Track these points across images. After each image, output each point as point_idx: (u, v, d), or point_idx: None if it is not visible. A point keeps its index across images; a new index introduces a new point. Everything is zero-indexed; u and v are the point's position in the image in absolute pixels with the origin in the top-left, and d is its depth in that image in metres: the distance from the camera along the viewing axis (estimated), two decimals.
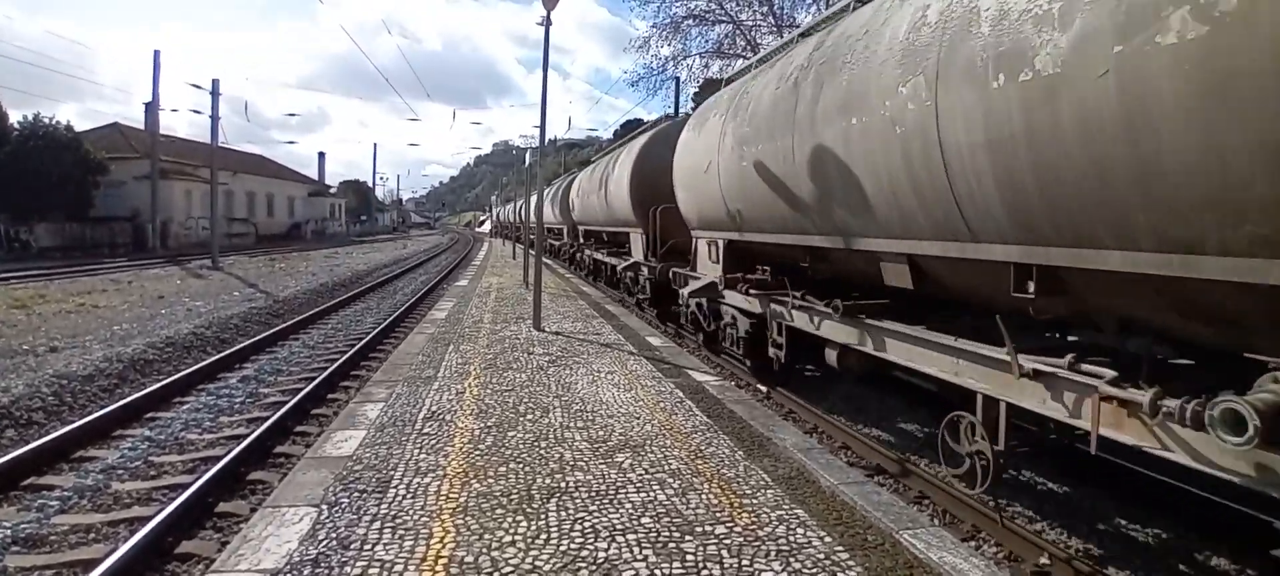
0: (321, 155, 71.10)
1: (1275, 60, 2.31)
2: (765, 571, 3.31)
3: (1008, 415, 4.04)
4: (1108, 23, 2.87)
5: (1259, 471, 2.68)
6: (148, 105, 33.61)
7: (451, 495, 4.11)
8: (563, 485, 4.32)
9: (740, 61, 25.66)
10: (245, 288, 18.10)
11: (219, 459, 5.52)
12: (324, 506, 3.92)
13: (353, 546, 3.45)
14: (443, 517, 3.80)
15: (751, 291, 7.42)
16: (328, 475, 4.38)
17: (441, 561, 3.32)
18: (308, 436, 6.47)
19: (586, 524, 3.76)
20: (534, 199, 14.64)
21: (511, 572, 3.24)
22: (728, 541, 3.59)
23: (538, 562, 3.33)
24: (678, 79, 26.58)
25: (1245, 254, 2.59)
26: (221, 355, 9.58)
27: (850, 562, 3.42)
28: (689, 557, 3.41)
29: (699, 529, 3.73)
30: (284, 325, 12.40)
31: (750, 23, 25.71)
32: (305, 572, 3.22)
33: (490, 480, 4.37)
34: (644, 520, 3.83)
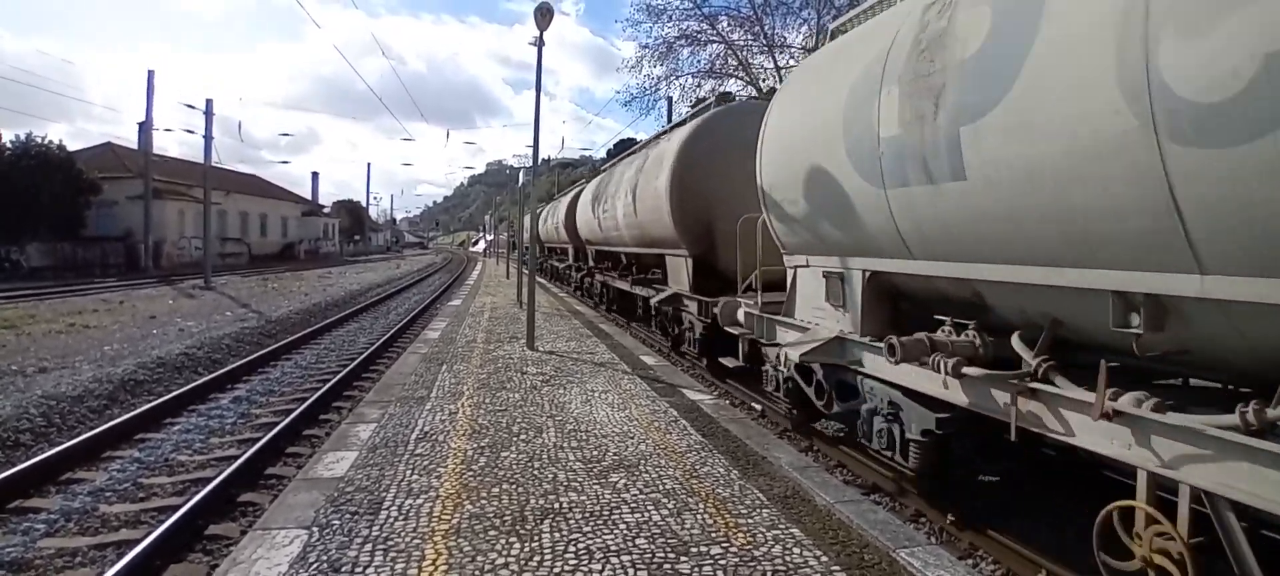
0: (315, 175, 71.17)
1: None
2: None
3: None
4: None
5: None
6: (141, 125, 33.54)
7: (444, 516, 4.07)
8: (556, 506, 4.28)
9: (733, 81, 25.94)
10: (238, 307, 18.01)
11: (209, 480, 5.46)
12: (315, 528, 3.87)
13: (344, 569, 3.41)
14: (435, 539, 3.76)
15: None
16: (319, 497, 4.33)
17: None
18: (299, 457, 6.42)
19: (580, 545, 3.73)
20: (528, 218, 13.92)
21: None
22: (723, 562, 3.56)
23: None
24: (670, 99, 26.75)
25: None
26: (213, 375, 9.50)
27: None
28: None
29: (694, 549, 3.70)
30: (276, 345, 12.32)
31: (742, 43, 25.95)
32: None
33: (483, 501, 4.33)
34: (639, 541, 3.80)
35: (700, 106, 11.75)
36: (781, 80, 22.37)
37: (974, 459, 5.76)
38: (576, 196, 20.70)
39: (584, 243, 18.83)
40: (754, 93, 23.64)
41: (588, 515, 4.14)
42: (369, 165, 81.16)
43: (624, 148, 20.14)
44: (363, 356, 11.21)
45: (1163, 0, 2.76)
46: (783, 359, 6.14)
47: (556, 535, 3.85)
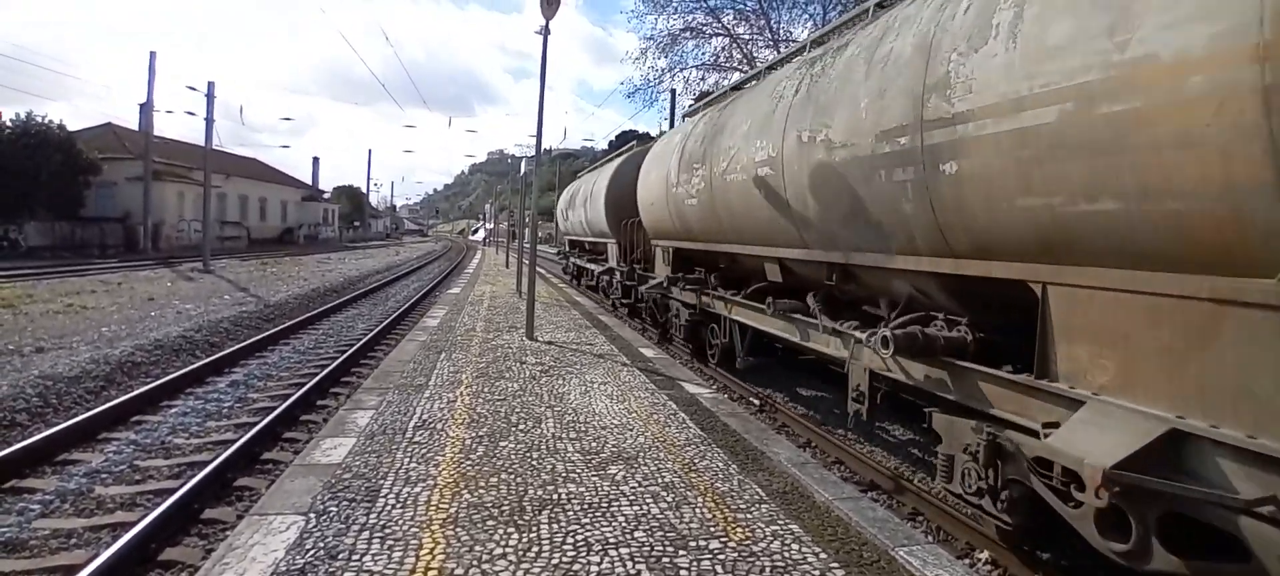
0: (315, 160, 70.88)
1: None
2: None
3: None
4: None
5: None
6: (142, 106, 33.37)
7: (442, 505, 4.06)
8: (555, 497, 4.26)
9: (737, 73, 25.88)
10: (236, 291, 17.97)
11: (206, 464, 5.44)
12: (312, 515, 3.85)
13: (341, 556, 3.39)
14: (433, 528, 3.75)
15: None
16: (316, 483, 4.32)
17: (431, 573, 3.26)
18: (296, 443, 6.40)
19: (579, 537, 3.71)
20: (530, 208, 14.59)
21: None
22: (722, 556, 3.55)
23: None
24: (674, 91, 26.68)
25: None
26: (211, 359, 9.47)
27: None
28: (682, 572, 3.37)
29: (693, 543, 3.69)
30: (274, 330, 12.29)
31: (747, 37, 25.88)
32: None
33: (481, 491, 4.31)
34: (637, 533, 3.78)
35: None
36: None
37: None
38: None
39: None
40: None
41: (586, 506, 4.13)
42: (370, 151, 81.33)
43: (626, 138, 19.92)
44: (361, 343, 11.18)
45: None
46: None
47: (555, 526, 3.83)
